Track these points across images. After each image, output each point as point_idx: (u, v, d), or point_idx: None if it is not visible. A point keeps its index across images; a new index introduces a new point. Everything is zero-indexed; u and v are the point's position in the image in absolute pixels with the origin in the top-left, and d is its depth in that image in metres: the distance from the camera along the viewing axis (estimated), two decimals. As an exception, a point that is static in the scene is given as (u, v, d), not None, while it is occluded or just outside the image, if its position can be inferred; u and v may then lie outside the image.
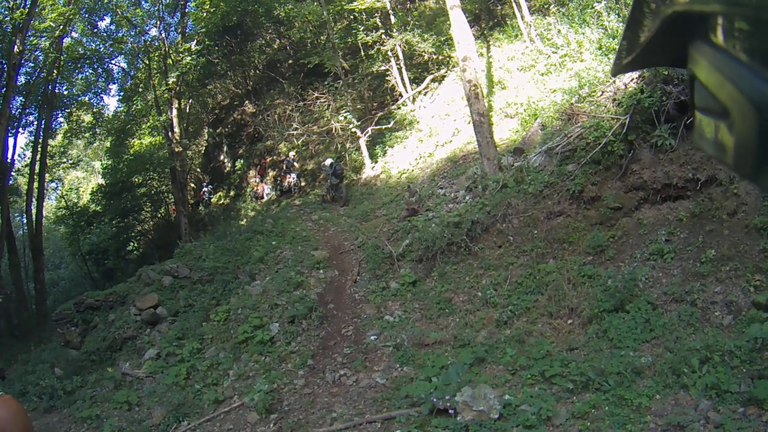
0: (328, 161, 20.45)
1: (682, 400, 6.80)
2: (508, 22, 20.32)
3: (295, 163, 24.38)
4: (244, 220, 22.72)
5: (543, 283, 10.16)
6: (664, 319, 8.28)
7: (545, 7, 18.96)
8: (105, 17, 25.97)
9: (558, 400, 7.46)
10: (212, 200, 29.11)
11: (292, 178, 24.15)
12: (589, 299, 9.21)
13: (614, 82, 11.66)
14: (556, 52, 16.80)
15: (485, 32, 21.11)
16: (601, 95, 11.85)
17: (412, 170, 18.66)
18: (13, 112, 23.48)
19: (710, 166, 9.38)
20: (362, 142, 21.04)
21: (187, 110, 27.51)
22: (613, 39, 14.42)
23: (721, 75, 0.66)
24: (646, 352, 7.88)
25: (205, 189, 28.11)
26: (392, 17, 21.91)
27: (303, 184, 24.28)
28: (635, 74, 10.89)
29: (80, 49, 26.27)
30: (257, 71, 29.54)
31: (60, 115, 28.31)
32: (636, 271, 9.11)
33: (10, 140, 23.66)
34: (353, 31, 22.50)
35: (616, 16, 15.13)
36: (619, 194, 10.52)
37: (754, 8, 0.59)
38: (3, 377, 2.95)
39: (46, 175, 28.05)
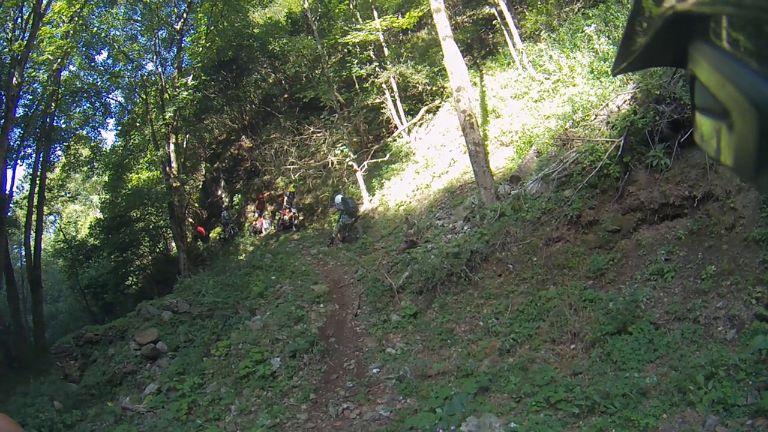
0: (339, 197, 19.50)
1: (690, 417, 6.75)
2: (500, 50, 20.48)
3: (295, 198, 24.26)
4: (243, 255, 22.69)
5: (544, 309, 10.12)
6: (668, 338, 8.25)
7: (536, 33, 19.11)
8: (102, 51, 26.30)
9: (564, 425, 7.40)
10: (229, 228, 29.13)
11: (292, 212, 23.96)
12: (591, 323, 9.18)
13: (607, 105, 11.76)
14: (548, 78, 16.91)
15: (478, 61, 21.27)
16: (595, 119, 11.93)
17: (410, 202, 18.67)
18: (12, 144, 23.53)
19: (706, 182, 9.43)
20: (359, 176, 21.06)
21: (185, 145, 27.58)
22: (605, 62, 14.52)
23: (721, 75, 0.67)
24: (650, 372, 7.83)
25: (224, 213, 27.89)
26: (385, 49, 22.11)
27: (301, 218, 24.22)
28: (627, 96, 11.00)
29: (78, 83, 26.46)
30: (253, 106, 29.72)
31: (58, 148, 28.46)
32: (637, 292, 9.09)
33: (9, 172, 23.68)
34: (347, 65, 22.66)
35: (606, 38, 15.25)
36: (616, 216, 10.55)
37: (754, 9, 0.60)
38: None
39: (45, 208, 28.04)
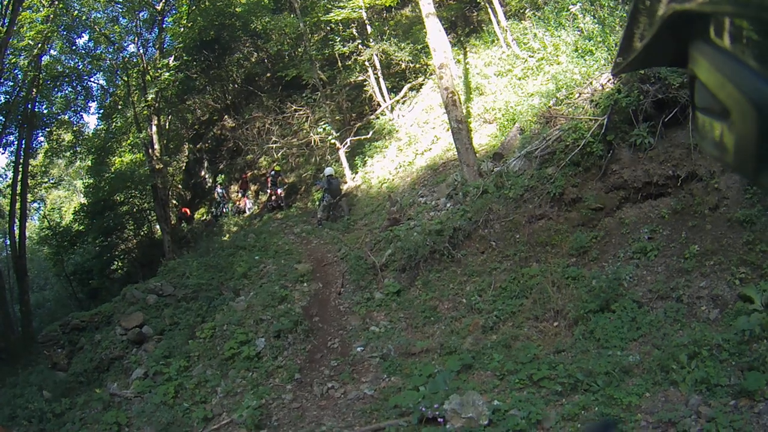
0: (328, 170, 19.44)
1: (672, 396, 6.82)
2: (484, 27, 20.37)
3: (280, 176, 23.83)
4: (227, 235, 22.59)
5: (527, 286, 10.16)
6: (651, 316, 8.31)
7: (521, 11, 18.99)
8: (83, 34, 25.83)
9: (547, 403, 7.46)
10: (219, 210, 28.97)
11: (280, 192, 23.61)
12: (574, 301, 9.22)
13: (591, 83, 11.74)
14: (532, 56, 16.83)
15: (461, 39, 21.13)
16: (579, 97, 11.91)
17: (393, 179, 18.61)
18: (-7, 132, 23.34)
19: (690, 162, 9.46)
20: (342, 153, 20.96)
21: (167, 126, 27.37)
22: (589, 41, 14.46)
23: (721, 75, 0.67)
24: (633, 350, 7.90)
25: (218, 189, 27.57)
26: (368, 27, 21.91)
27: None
28: (610, 74, 10.97)
29: (59, 67, 26.07)
30: (236, 85, 29.49)
31: (40, 134, 28.07)
32: (620, 270, 9.14)
33: (-9, 160, 23.49)
34: (330, 42, 22.45)
35: (592, 17, 15.18)
36: (600, 195, 10.56)
37: (755, 8, 0.59)
38: None
39: (28, 195, 27.77)
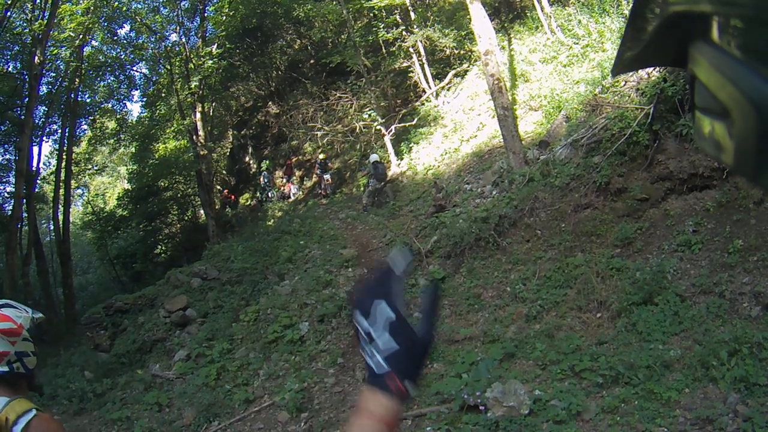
0: (373, 157, 19.43)
1: (711, 393, 6.75)
2: (528, 14, 20.13)
3: (329, 163, 23.50)
4: (272, 220, 22.74)
5: (571, 276, 10.08)
6: (693, 311, 8.20)
7: (565, -3, 18.79)
8: (124, 25, 26.02)
9: (588, 394, 7.44)
10: (240, 200, 29.16)
11: (327, 179, 23.18)
12: (617, 292, 9.15)
13: (637, 71, 11.55)
14: (577, 43, 16.62)
15: (505, 25, 20.94)
16: (624, 85, 11.75)
17: (438, 166, 18.55)
18: (37, 121, 23.79)
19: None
20: (387, 140, 20.92)
21: (211, 113, 27.59)
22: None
23: (721, 75, 0.66)
24: (675, 345, 7.81)
25: (265, 173, 27.57)
26: (412, 13, 21.80)
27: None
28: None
29: (101, 57, 26.44)
30: (279, 72, 29.59)
31: (83, 122, 28.59)
32: (664, 262, 9.02)
33: (35, 149, 24.00)
34: (374, 29, 22.40)
35: (637, 3, 14.92)
36: (645, 185, 10.43)
37: (755, 8, 0.59)
38: (41, 393, 2.98)
39: (72, 181, 28.33)
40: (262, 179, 27.03)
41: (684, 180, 10.00)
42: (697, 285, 8.53)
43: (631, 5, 0.84)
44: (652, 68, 10.90)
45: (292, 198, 25.71)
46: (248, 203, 29.33)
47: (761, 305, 7.71)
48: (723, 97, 0.66)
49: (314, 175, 24.39)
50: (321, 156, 22.96)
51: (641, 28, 0.81)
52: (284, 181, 26.88)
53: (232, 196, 29.13)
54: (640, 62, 0.89)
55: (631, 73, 11.83)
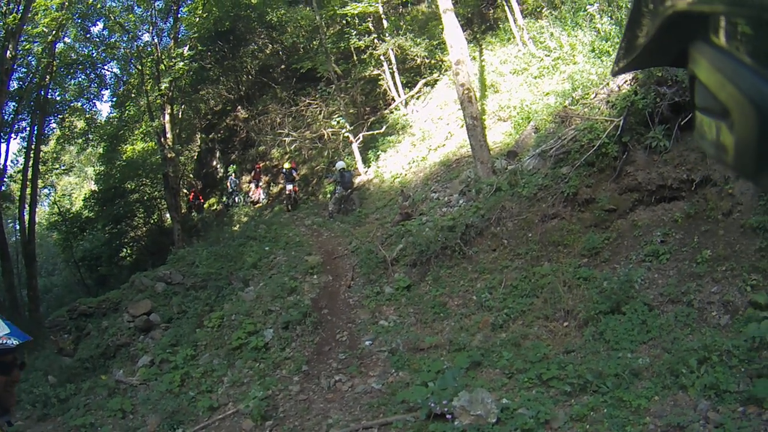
0: (340, 163, 19.42)
1: (681, 400, 6.78)
2: (501, 25, 20.30)
3: (294, 173, 22.62)
4: (237, 225, 22.62)
5: (538, 286, 10.11)
6: (661, 320, 8.26)
7: (537, 10, 18.95)
8: (98, 22, 25.85)
9: (556, 403, 7.43)
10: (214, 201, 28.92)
11: (291, 189, 22.31)
12: (585, 301, 9.18)
13: (608, 84, 11.68)
14: (548, 55, 16.77)
15: (477, 36, 21.08)
16: (595, 97, 11.87)
17: (405, 174, 18.60)
18: (6, 117, 23.38)
19: (705, 166, 9.38)
20: (355, 147, 20.95)
21: (180, 116, 27.43)
22: (606, 41, 14.42)
23: (721, 75, 0.67)
24: (643, 353, 7.85)
25: (231, 178, 27.22)
26: (384, 21, 21.89)
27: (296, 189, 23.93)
28: (628, 76, 10.91)
29: (73, 55, 26.14)
30: (250, 76, 29.52)
31: (53, 120, 28.19)
32: (631, 272, 9.07)
33: (3, 146, 23.69)
34: (346, 36, 22.44)
35: (609, 18, 15.12)
36: (613, 196, 10.50)
37: (755, 8, 0.59)
38: (11, 423, 2.86)
39: (39, 181, 27.89)
40: (229, 184, 26.92)
41: (652, 191, 10.08)
42: (665, 294, 8.59)
43: (630, 5, 0.85)
44: (623, 81, 11.04)
45: (260, 203, 25.54)
46: (214, 208, 29.14)
47: (730, 313, 7.78)
48: (723, 97, 0.67)
49: (279, 183, 24.02)
50: (287, 165, 22.38)
51: (641, 28, 0.82)
52: (252, 186, 26.69)
53: (201, 198, 28.89)
54: (640, 62, 0.90)
55: (601, 86, 11.96)
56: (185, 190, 29.35)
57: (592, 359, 8.01)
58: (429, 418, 7.66)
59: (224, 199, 28.00)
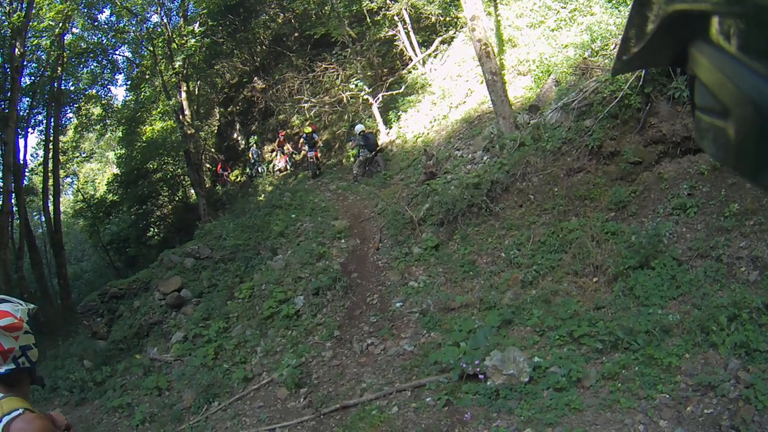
0: (359, 126, 19.46)
1: (712, 358, 6.74)
2: (515, -22, 19.94)
3: (316, 137, 22.34)
4: (262, 195, 22.66)
5: (566, 241, 10.02)
6: (690, 275, 8.15)
7: (552, -40, 18.56)
8: (104, 9, 25.94)
9: (587, 360, 7.43)
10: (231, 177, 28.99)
11: (313, 155, 22.03)
12: (613, 256, 9.09)
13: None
14: (565, 7, 16.45)
15: (491, -10, 20.74)
16: (615, 48, 11.62)
17: (428, 133, 18.49)
18: (21, 113, 23.58)
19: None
20: (375, 109, 20.84)
21: (197, 92, 27.47)
22: (623, -11, 14.11)
23: (721, 75, 0.66)
24: (673, 309, 7.78)
25: (253, 149, 27.28)
26: (396, -19, 21.58)
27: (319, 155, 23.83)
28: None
29: (82, 44, 26.29)
30: (263, 47, 29.42)
31: (69, 110, 28.46)
32: (659, 226, 8.95)
33: (21, 141, 23.79)
34: (357, -2, 22.23)
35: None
36: (638, 148, 10.35)
37: (755, 8, 0.59)
38: (43, 385, 2.96)
39: (60, 171, 28.24)
40: (251, 155, 26.88)
41: (677, 143, 9.92)
42: (693, 249, 8.47)
43: (631, 5, 0.84)
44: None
45: (286, 171, 25.53)
46: (238, 179, 29.22)
47: (759, 269, 7.67)
48: (723, 96, 0.67)
49: (302, 150, 23.59)
50: (307, 129, 22.18)
51: (641, 27, 0.81)
52: (277, 155, 26.58)
53: (229, 168, 28.89)
54: (640, 62, 0.89)
55: (619, 35, 11.70)
56: (208, 165, 29.46)
57: (622, 315, 7.97)
58: (462, 378, 7.73)
59: (247, 170, 28.02)
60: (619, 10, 13.48)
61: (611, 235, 9.54)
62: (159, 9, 24.69)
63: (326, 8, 23.68)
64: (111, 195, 29.64)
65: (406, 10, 20.98)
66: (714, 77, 0.68)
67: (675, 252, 8.56)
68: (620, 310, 8.17)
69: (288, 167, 25.65)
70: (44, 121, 26.42)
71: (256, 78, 29.19)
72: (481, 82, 15.79)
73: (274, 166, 26.42)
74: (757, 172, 0.64)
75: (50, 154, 25.80)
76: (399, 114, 21.10)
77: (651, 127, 10.29)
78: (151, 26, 25.44)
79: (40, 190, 27.26)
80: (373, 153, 18.71)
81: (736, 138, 0.65)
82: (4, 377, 2.35)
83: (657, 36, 0.77)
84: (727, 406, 6.05)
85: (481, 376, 7.54)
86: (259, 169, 26.45)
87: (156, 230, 30.42)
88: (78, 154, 31.86)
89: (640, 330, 7.37)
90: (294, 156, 25.60)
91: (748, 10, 0.59)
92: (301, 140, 22.66)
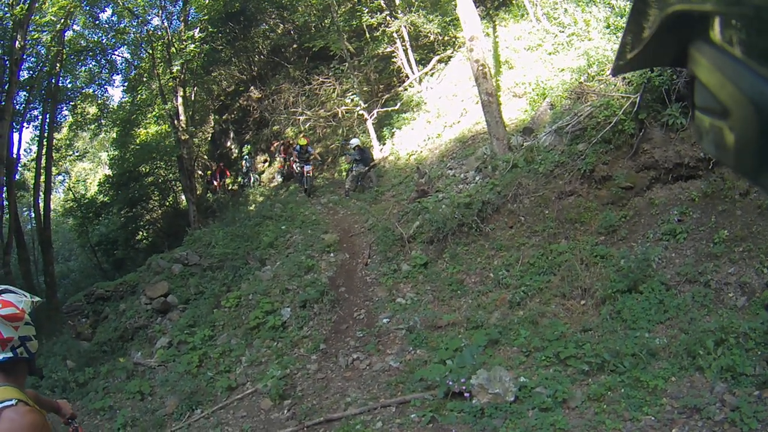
0: (354, 141, 19.20)
1: (698, 382, 6.79)
2: (514, 1, 20.10)
3: (310, 149, 21.02)
4: (253, 205, 22.61)
5: (555, 263, 10.10)
6: (678, 300, 8.25)
7: (551, -15, 18.74)
8: (106, 9, 25.77)
9: (573, 382, 7.45)
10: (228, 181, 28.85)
11: (309, 170, 20.48)
12: (602, 280, 9.17)
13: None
14: (563, 32, 16.60)
15: (491, 12, 20.86)
16: (610, 74, 11.73)
17: (421, 151, 18.55)
18: (17, 107, 23.41)
19: (722, 144, 9.27)
20: (369, 125, 20.89)
21: (193, 98, 27.38)
22: (621, 17, 14.25)
23: (721, 75, 0.67)
24: (660, 333, 7.86)
25: (246, 158, 27.14)
26: (396, -2, 21.73)
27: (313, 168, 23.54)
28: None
29: (82, 42, 26.09)
30: (262, 57, 29.44)
31: (64, 108, 28.16)
32: (649, 251, 9.05)
33: (15, 135, 23.61)
34: (357, 14, 22.28)
35: (624, -7, 14.95)
36: (630, 174, 10.44)
37: (755, 8, 0.59)
38: (42, 376, 2.98)
39: (53, 168, 27.97)
40: (244, 163, 26.78)
41: (669, 169, 10.02)
42: (682, 274, 8.57)
43: (631, 5, 0.85)
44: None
45: (278, 182, 25.36)
46: (230, 188, 29.15)
47: (747, 295, 7.74)
48: (723, 97, 0.68)
49: (294, 164, 22.14)
50: (302, 141, 21.22)
51: (641, 28, 0.82)
52: (282, 160, 25.94)
53: (227, 171, 28.63)
54: (640, 62, 0.91)
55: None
56: (200, 172, 29.36)
57: (609, 338, 8.02)
58: (447, 396, 7.72)
59: (239, 179, 27.94)
60: (616, 36, 13.61)
61: (600, 258, 9.63)
62: (160, 12, 24.65)
63: (326, 21, 23.82)
64: (102, 196, 29.40)
65: (405, 27, 21.08)
66: (714, 77, 0.69)
67: (663, 277, 8.66)
68: (607, 332, 8.22)
69: (278, 178, 25.52)
70: (40, 117, 26.26)
71: (252, 87, 29.16)
72: (477, 103, 15.89)
73: (274, 175, 26.22)
74: (757, 172, 0.65)
75: (44, 151, 25.64)
76: (393, 131, 21.16)
77: (644, 152, 10.40)
78: (152, 29, 25.34)
79: (32, 186, 27.06)
80: (367, 168, 18.68)
81: (736, 138, 0.66)
82: (1, 365, 2.35)
83: (657, 36, 0.79)
84: (713, 429, 6.08)
85: (466, 395, 7.54)
86: (252, 178, 26.34)
87: (145, 234, 30.22)
88: (71, 152, 31.62)
89: (626, 353, 7.41)
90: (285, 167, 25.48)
91: (748, 10, 0.61)
92: (294, 153, 21.49)
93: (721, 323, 7.20)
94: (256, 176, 26.58)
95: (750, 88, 0.61)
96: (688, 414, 6.34)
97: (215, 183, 28.34)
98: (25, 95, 24.37)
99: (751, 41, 0.61)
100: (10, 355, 2.39)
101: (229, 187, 29.01)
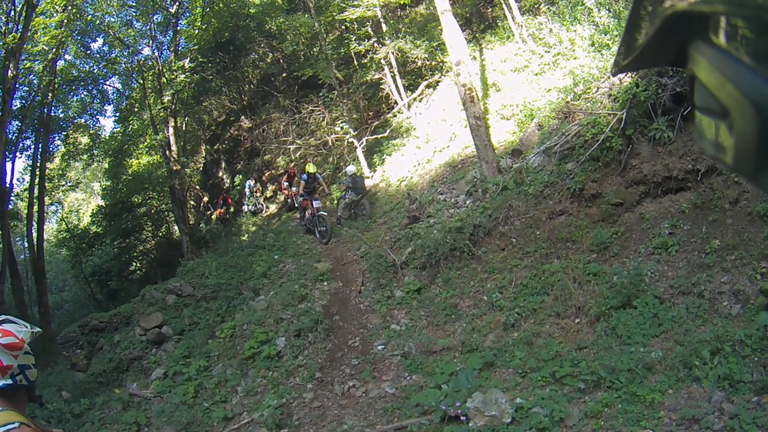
0: (351, 169, 18.82)
1: (695, 393, 6.76)
2: (499, 24, 20.29)
3: (318, 177, 18.77)
4: (245, 235, 22.62)
5: (548, 283, 10.08)
6: (672, 312, 8.23)
7: (535, 6, 18.94)
8: (97, 38, 26.10)
9: (570, 400, 7.41)
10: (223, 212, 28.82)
11: (316, 206, 17.46)
12: (595, 297, 9.15)
13: (609, 78, 11.65)
14: (548, 52, 16.75)
15: (477, 35, 21.07)
16: (597, 92, 11.83)
17: (411, 177, 18.59)
18: (10, 136, 23.46)
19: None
20: (359, 152, 20.98)
21: (184, 128, 27.51)
22: (605, 35, 14.41)
23: (721, 75, 0.67)
24: (656, 346, 7.82)
25: (249, 182, 27.11)
26: (383, 25, 21.88)
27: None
28: (630, 69, 10.84)
29: (74, 71, 26.29)
30: (251, 86, 29.62)
31: (57, 138, 28.28)
32: (641, 266, 9.04)
33: (8, 165, 23.59)
34: (345, 41, 22.50)
35: (607, 11, 15.12)
36: (619, 190, 10.47)
37: (755, 8, 0.59)
38: (41, 404, 2.99)
39: (46, 198, 27.94)
40: (246, 190, 26.78)
41: (658, 183, 10.05)
42: (675, 286, 8.56)
43: (630, 5, 0.85)
44: (625, 74, 11.00)
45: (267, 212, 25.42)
46: (248, 210, 29.13)
47: (741, 302, 7.75)
48: (723, 97, 0.67)
49: (296, 195, 19.99)
50: (310, 168, 18.51)
51: (641, 28, 0.82)
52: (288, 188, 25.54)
53: (230, 200, 28.50)
54: (640, 62, 0.90)
55: (602, 80, 11.94)
56: (192, 202, 29.38)
57: (604, 355, 7.99)
58: (443, 420, 7.66)
59: (245, 206, 27.74)
60: (601, 54, 13.74)
61: (593, 276, 9.61)
62: (151, 42, 24.91)
63: (315, 50, 24.00)
64: (95, 226, 29.53)
65: (393, 53, 21.23)
66: (714, 77, 0.69)
67: (657, 290, 8.64)
68: (602, 349, 8.18)
69: (262, 208, 25.52)
70: (32, 147, 26.28)
71: (243, 117, 29.32)
72: (465, 126, 15.94)
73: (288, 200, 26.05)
74: (757, 172, 0.65)
75: (36, 180, 25.60)
76: (383, 157, 21.22)
77: (632, 168, 10.43)
78: (143, 59, 25.63)
79: (25, 216, 27.02)
80: (360, 196, 18.58)
81: (736, 138, 0.66)
82: (1, 391, 2.41)
83: (657, 36, 0.78)
84: (712, 438, 6.07)
85: (463, 418, 7.48)
86: (257, 204, 26.32)
87: (138, 265, 30.27)
88: (64, 183, 31.60)
89: (622, 368, 7.37)
90: (277, 196, 25.40)
91: (748, 10, 0.60)
92: (302, 183, 18.38)
93: (716, 332, 7.17)
94: (262, 202, 26.56)
95: (750, 89, 0.61)
96: (686, 425, 6.30)
97: (219, 210, 28.25)
98: (17, 124, 24.47)
99: (751, 41, 0.62)
100: (9, 382, 2.44)
101: (224, 216, 29.03)
